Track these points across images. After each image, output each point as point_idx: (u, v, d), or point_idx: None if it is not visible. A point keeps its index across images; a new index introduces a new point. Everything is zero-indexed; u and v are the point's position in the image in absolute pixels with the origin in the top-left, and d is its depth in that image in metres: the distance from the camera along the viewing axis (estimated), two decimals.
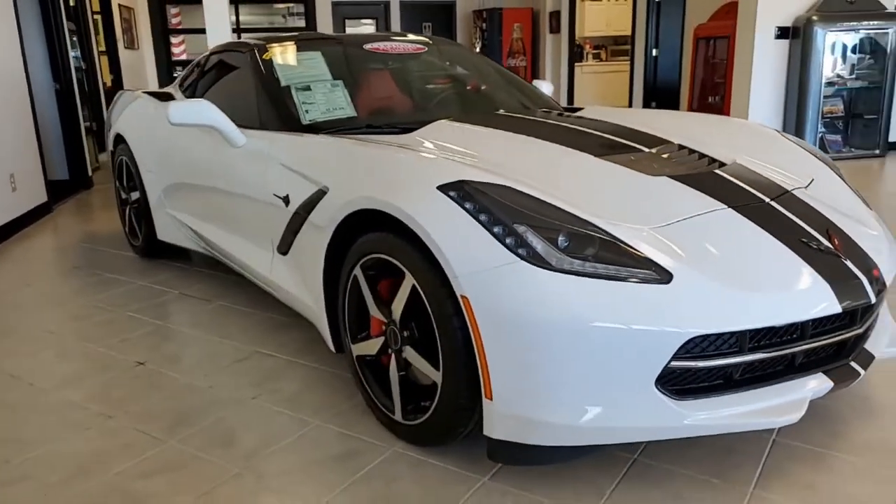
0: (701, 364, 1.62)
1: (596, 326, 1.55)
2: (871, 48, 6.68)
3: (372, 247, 1.94)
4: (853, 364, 1.84)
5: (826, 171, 2.35)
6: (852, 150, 6.88)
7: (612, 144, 2.33)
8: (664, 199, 1.90)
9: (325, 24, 12.32)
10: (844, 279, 1.74)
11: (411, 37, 3.37)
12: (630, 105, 9.85)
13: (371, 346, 2.04)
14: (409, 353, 1.88)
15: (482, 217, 1.67)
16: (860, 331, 1.83)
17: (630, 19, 10.09)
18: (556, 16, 10.96)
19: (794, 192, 2.09)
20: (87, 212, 5.42)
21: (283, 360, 2.57)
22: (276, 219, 2.47)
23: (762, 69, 6.62)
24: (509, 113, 2.91)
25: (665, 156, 2.25)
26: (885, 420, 2.04)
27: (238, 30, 12.23)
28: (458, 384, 1.73)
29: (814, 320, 1.70)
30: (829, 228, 1.92)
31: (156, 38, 11.98)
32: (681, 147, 2.37)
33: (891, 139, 6.88)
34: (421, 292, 1.78)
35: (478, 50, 12.05)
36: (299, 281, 2.41)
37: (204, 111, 2.71)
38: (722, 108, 7.69)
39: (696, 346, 1.62)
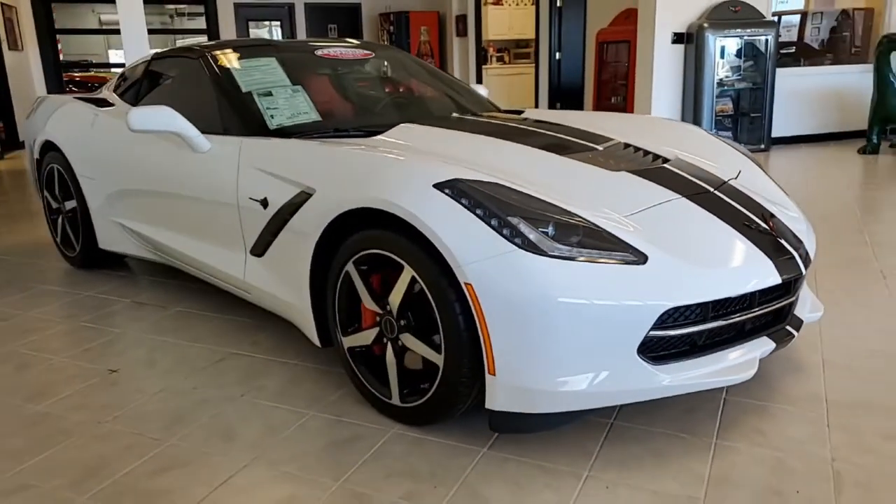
0: (673, 333, 1.87)
1: (586, 303, 1.76)
2: (754, 53, 7.35)
3: (366, 243, 2.07)
4: (788, 328, 2.15)
5: (749, 163, 2.68)
6: (741, 144, 7.55)
7: (567, 143, 2.56)
8: (628, 191, 2.14)
9: (227, 26, 12.08)
10: (781, 255, 2.05)
11: (354, 42, 3.50)
12: (536, 106, 10.29)
13: (365, 338, 2.17)
14: (409, 340, 2.03)
15: (478, 211, 1.85)
16: (793, 299, 2.15)
17: (531, 23, 10.55)
18: (462, 19, 11.27)
19: (729, 182, 2.39)
20: None
21: (261, 359, 2.64)
22: (251, 221, 2.53)
23: (661, 72, 7.16)
24: (462, 116, 3.10)
25: (616, 153, 2.50)
26: (808, 375, 2.38)
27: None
28: (460, 364, 1.89)
29: (760, 291, 1.99)
30: (764, 213, 2.23)
31: (41, 39, 11.31)
32: (626, 145, 2.64)
33: (774, 135, 7.61)
34: (421, 283, 1.93)
35: None
36: (278, 281, 2.49)
37: (167, 117, 2.73)
38: (625, 108, 8.23)
39: (670, 318, 1.86)
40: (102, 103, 3.67)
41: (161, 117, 2.73)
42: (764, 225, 2.15)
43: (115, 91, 3.77)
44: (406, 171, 2.02)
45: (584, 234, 1.86)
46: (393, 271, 2.03)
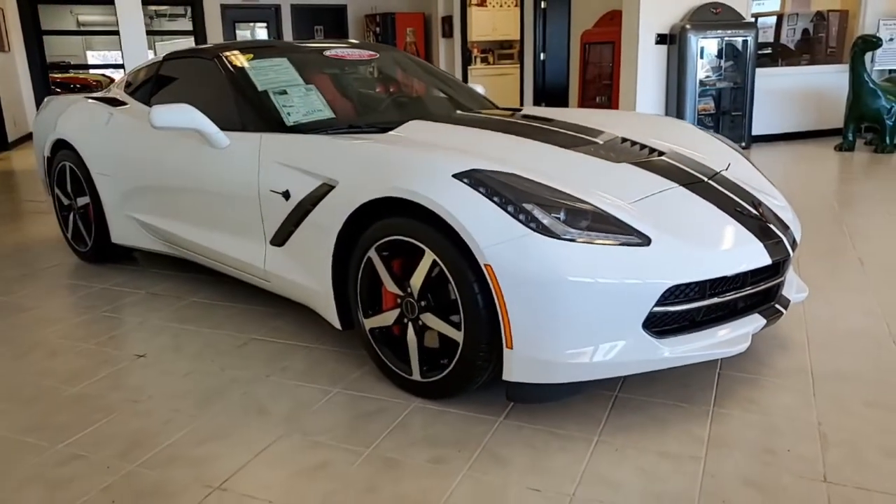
0: (674, 308, 2.05)
1: (596, 282, 1.94)
2: (734, 53, 7.60)
3: (388, 231, 2.23)
4: (777, 306, 2.35)
5: (737, 156, 2.87)
6: None
7: (569, 137, 2.73)
8: (630, 181, 2.32)
9: (214, 28, 12.14)
10: (771, 239, 2.24)
11: (358, 42, 3.65)
12: (521, 105, 10.48)
13: (386, 319, 2.33)
14: (430, 319, 2.19)
15: (495, 199, 2.02)
16: (781, 279, 2.35)
17: (515, 24, 10.74)
18: (448, 21, 11.45)
19: (721, 173, 2.59)
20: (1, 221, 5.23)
21: (282, 344, 2.79)
22: (272, 213, 2.68)
23: (645, 72, 7.39)
24: (466, 112, 3.26)
25: (616, 146, 2.68)
26: (795, 350, 2.57)
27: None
28: (479, 340, 2.06)
29: (752, 271, 2.18)
30: (753, 200, 2.42)
31: (28, 40, 11.30)
32: (623, 139, 2.82)
33: (754, 133, 7.87)
34: (442, 266, 2.10)
35: None
36: (299, 268, 2.64)
37: (188, 115, 2.87)
38: (610, 107, 8.44)
39: (672, 295, 2.04)
40: (115, 102, 3.78)
41: (182, 115, 2.87)
42: (754, 211, 2.34)
43: (125, 90, 3.89)
44: (428, 162, 2.18)
45: (592, 219, 2.03)
46: (414, 256, 2.19)
